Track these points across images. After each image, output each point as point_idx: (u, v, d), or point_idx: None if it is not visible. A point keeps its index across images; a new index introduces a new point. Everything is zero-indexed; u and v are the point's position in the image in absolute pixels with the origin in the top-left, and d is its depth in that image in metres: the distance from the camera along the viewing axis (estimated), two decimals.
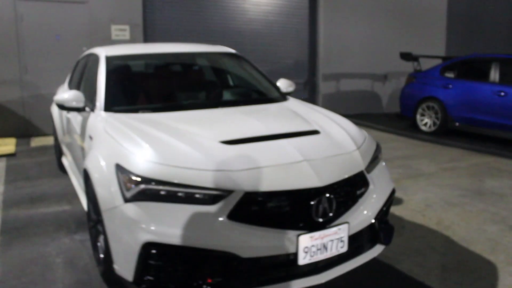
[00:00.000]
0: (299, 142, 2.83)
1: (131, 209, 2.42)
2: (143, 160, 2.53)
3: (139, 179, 2.44)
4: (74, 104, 3.54)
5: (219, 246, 2.32)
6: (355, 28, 10.64)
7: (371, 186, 2.83)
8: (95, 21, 8.04)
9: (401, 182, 5.14)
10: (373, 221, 2.75)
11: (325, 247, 2.54)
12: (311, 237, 2.49)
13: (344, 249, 2.59)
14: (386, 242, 2.89)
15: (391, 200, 3.06)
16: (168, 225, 2.34)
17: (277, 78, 4.25)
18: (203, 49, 4.61)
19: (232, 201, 2.39)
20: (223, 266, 2.39)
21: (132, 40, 8.34)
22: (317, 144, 2.86)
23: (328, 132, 3.06)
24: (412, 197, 4.66)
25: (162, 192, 2.39)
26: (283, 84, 4.21)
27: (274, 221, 2.46)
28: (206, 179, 2.42)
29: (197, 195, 2.39)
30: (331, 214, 2.55)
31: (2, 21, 7.48)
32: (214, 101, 3.96)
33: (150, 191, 2.40)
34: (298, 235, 2.46)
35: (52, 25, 7.79)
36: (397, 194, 4.64)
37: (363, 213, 2.71)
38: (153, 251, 2.35)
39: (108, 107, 3.43)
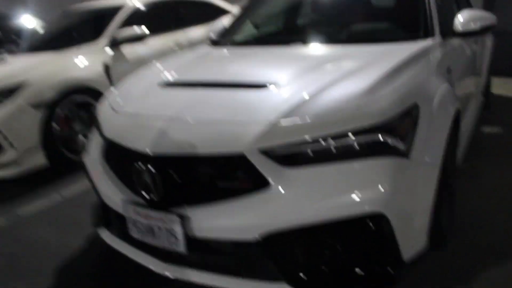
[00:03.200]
0: (218, 95, 2.10)
1: None
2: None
3: None
4: None
5: (96, 182, 2.30)
6: None
7: (275, 186, 1.73)
8: None
9: None
10: (258, 238, 1.74)
11: (152, 231, 1.92)
12: (134, 210, 1.96)
13: (180, 248, 1.86)
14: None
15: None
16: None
17: None
18: None
19: (103, 142, 2.28)
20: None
21: None
22: (228, 102, 2.01)
23: (275, 92, 2.00)
24: None
25: None
26: (465, 17, 2.72)
27: (122, 178, 2.15)
28: (108, 119, 2.33)
29: None
30: (154, 196, 1.89)
31: None
32: (303, 38, 2.98)
33: None
34: (125, 201, 2.01)
35: None
36: None
37: (225, 219, 1.78)
38: None
39: (216, 40, 3.37)
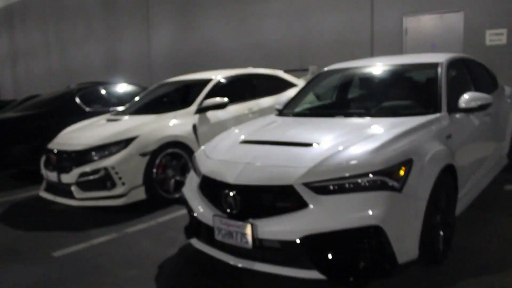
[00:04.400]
0: (278, 150, 3.15)
1: None
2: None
3: None
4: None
5: (192, 205, 3.35)
6: None
7: (311, 207, 2.71)
8: (470, 27, 8.08)
9: None
10: (297, 240, 2.71)
11: (231, 234, 2.92)
12: (220, 220, 2.99)
13: (248, 245, 2.84)
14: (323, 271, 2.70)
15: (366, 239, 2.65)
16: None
17: None
18: (406, 61, 4.54)
19: (199, 178, 3.38)
20: (191, 218, 3.43)
21: (509, 45, 7.80)
22: (284, 154, 3.04)
23: (317, 148, 3.01)
24: None
25: None
26: (468, 98, 3.64)
27: (212, 200, 3.18)
28: (203, 162, 3.47)
29: None
30: (234, 211, 2.92)
31: (392, 35, 8.79)
32: (344, 111, 4.12)
33: None
34: (214, 215, 3.03)
35: (429, 35, 8.49)
36: None
37: (278, 226, 2.75)
38: None
39: (281, 110, 4.52)
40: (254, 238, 2.83)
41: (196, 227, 3.37)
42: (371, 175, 2.72)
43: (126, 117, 5.81)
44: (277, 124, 4.00)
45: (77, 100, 7.47)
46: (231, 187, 2.95)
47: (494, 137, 4.58)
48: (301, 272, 2.73)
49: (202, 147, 3.80)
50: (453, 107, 3.66)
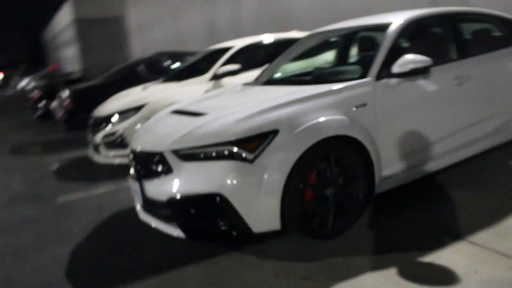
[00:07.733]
0: (179, 119, 3.47)
1: None
2: None
3: None
4: None
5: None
6: None
7: (175, 172, 2.97)
8: None
9: None
10: (165, 201, 2.99)
11: (135, 192, 3.40)
12: (132, 181, 3.48)
13: (142, 202, 3.28)
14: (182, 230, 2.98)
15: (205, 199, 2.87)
16: None
17: None
18: (363, 23, 4.34)
19: None
20: None
21: None
22: (178, 124, 3.34)
23: (201, 118, 3.24)
24: None
25: None
26: (404, 61, 3.34)
27: None
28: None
29: None
30: (135, 173, 3.35)
31: None
32: (288, 79, 4.32)
33: None
34: (128, 176, 3.55)
35: None
36: None
37: (155, 187, 3.09)
38: None
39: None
40: (143, 196, 3.23)
41: None
42: (223, 145, 2.88)
43: (155, 85, 6.47)
44: (221, 94, 4.20)
45: (141, 70, 8.38)
46: (133, 151, 3.39)
47: (479, 106, 4.03)
48: (172, 230, 3.06)
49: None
50: (386, 73, 3.42)
